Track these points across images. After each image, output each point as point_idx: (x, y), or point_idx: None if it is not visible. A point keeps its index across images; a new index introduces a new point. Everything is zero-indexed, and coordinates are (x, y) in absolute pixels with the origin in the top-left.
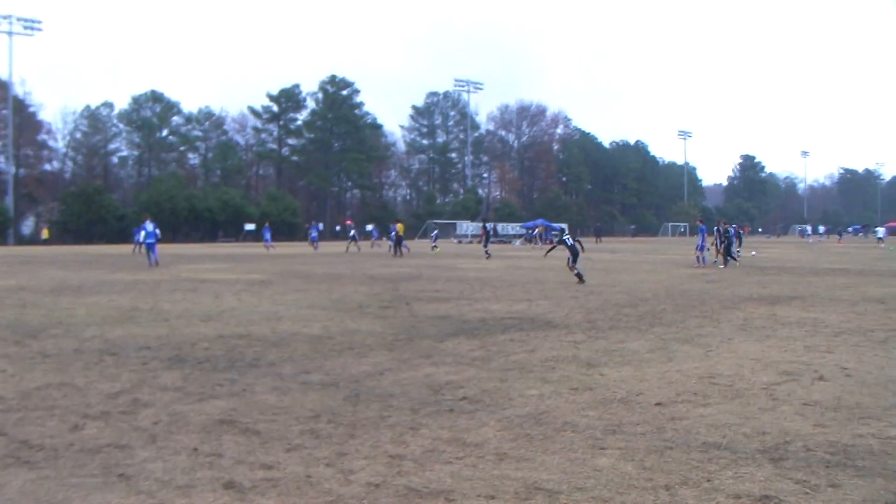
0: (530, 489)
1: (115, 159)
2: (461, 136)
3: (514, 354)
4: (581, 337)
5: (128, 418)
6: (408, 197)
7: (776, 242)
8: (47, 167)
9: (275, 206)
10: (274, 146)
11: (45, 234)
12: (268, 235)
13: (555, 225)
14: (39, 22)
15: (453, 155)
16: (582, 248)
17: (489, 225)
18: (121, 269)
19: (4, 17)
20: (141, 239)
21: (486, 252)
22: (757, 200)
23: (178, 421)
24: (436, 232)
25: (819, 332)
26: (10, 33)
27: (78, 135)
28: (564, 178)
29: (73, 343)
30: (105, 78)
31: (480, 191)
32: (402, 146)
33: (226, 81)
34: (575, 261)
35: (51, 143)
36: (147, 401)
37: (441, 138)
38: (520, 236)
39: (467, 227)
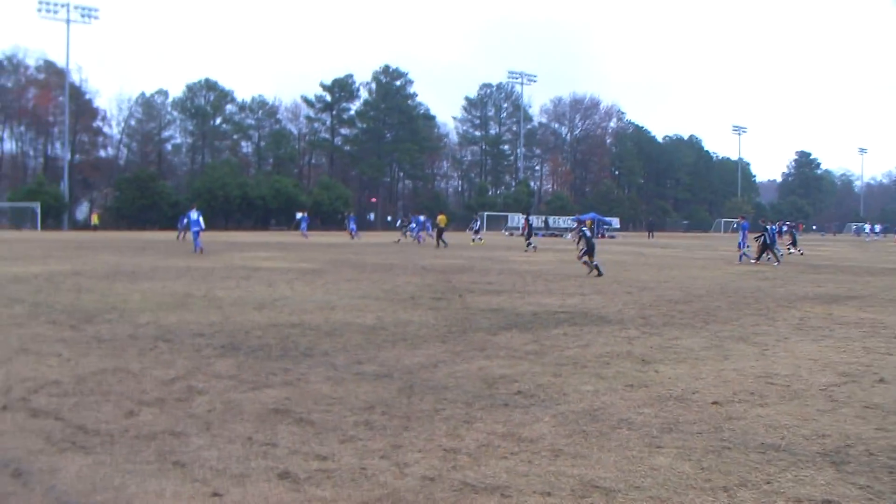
0: (587, 487)
1: (169, 146)
2: (514, 128)
3: (568, 349)
4: (635, 333)
5: (182, 405)
6: (460, 188)
7: (831, 240)
8: (102, 153)
9: (327, 195)
10: (327, 135)
11: (94, 219)
12: (353, 225)
13: (606, 219)
14: (96, 10)
15: (506, 147)
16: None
17: (532, 218)
18: (174, 255)
19: (62, 5)
20: (182, 226)
21: (530, 245)
22: (812, 198)
23: (232, 409)
24: (478, 223)
25: (878, 334)
26: (67, 21)
27: (133, 122)
28: (617, 172)
29: (128, 328)
30: (160, 66)
31: (532, 183)
32: (454, 137)
33: (279, 70)
34: (589, 253)
35: (106, 129)
36: (201, 388)
37: (494, 130)
38: (572, 230)
39: (519, 219)
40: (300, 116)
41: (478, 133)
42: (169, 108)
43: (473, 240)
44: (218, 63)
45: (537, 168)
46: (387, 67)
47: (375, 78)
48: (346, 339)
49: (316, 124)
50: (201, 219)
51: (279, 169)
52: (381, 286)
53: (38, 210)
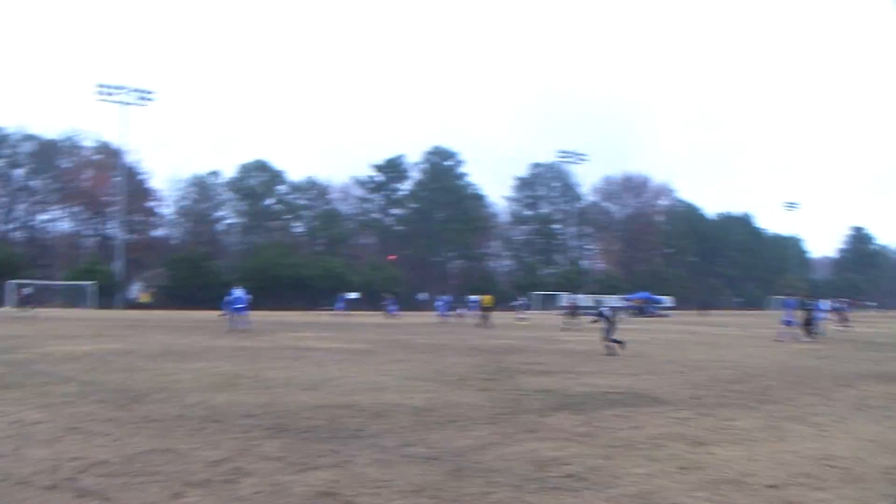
0: None
1: (221, 226)
2: (564, 206)
3: (620, 431)
4: (688, 414)
5: (229, 487)
6: (510, 268)
7: (888, 317)
8: (155, 233)
9: (377, 275)
10: (377, 215)
11: (143, 298)
12: (393, 307)
13: (659, 298)
14: (152, 92)
15: (557, 226)
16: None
17: (580, 297)
18: (224, 335)
19: (118, 89)
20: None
21: (568, 324)
22: (867, 273)
23: (279, 491)
24: (523, 301)
25: None
26: (123, 104)
27: (186, 202)
28: (668, 250)
29: (177, 408)
30: (213, 147)
31: (583, 262)
32: (505, 216)
33: (331, 151)
34: (609, 333)
35: (159, 209)
36: (249, 470)
37: (544, 209)
38: (623, 309)
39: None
40: (351, 196)
41: (528, 212)
42: (222, 189)
43: (518, 319)
44: (270, 144)
45: (588, 247)
46: (437, 148)
47: (426, 158)
48: (395, 420)
49: (367, 204)
50: (244, 295)
51: (330, 249)
52: (431, 367)
53: (92, 289)
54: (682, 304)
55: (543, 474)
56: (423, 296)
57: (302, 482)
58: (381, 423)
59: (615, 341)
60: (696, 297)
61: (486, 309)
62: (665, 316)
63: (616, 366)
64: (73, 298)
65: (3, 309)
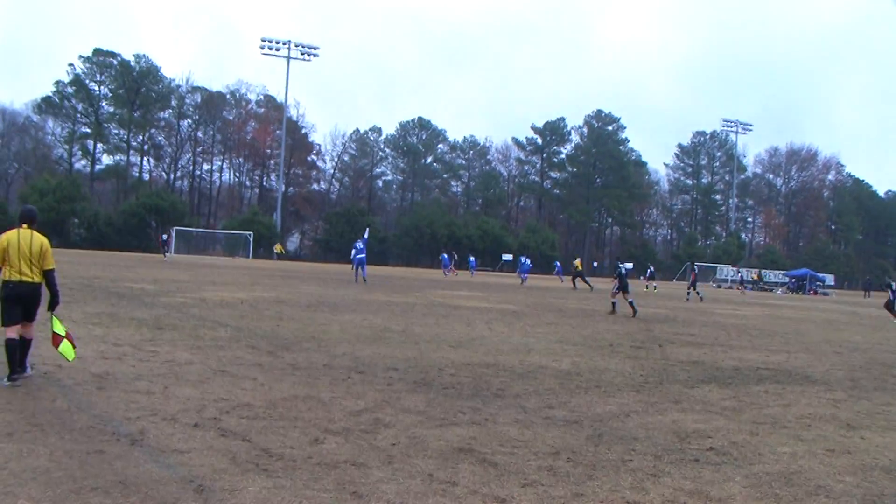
0: None
1: (380, 183)
2: (726, 177)
3: (768, 407)
4: (841, 395)
5: (367, 437)
6: (668, 237)
7: None
8: (315, 187)
9: (533, 239)
10: (536, 178)
11: (278, 249)
12: (559, 267)
13: (820, 275)
14: (317, 48)
15: (717, 197)
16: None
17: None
18: (376, 289)
19: (283, 43)
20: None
21: (690, 294)
22: None
23: (416, 444)
24: (652, 271)
25: None
26: (287, 58)
27: (346, 157)
28: (833, 227)
29: (324, 358)
30: (375, 103)
31: (744, 235)
32: (665, 185)
33: (492, 111)
34: (623, 290)
35: (320, 164)
36: (388, 421)
37: (706, 179)
38: (783, 284)
39: (728, 271)
40: (510, 158)
41: (689, 182)
42: (382, 146)
43: (647, 286)
44: (431, 103)
45: (749, 220)
46: (599, 112)
47: (587, 122)
48: (539, 382)
49: (526, 167)
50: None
51: (487, 210)
52: (581, 332)
53: (251, 239)
54: (846, 283)
55: (684, 446)
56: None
57: (440, 437)
58: (525, 384)
59: (629, 302)
60: (862, 278)
61: (577, 273)
62: (826, 294)
63: (770, 341)
64: (231, 248)
65: (169, 255)
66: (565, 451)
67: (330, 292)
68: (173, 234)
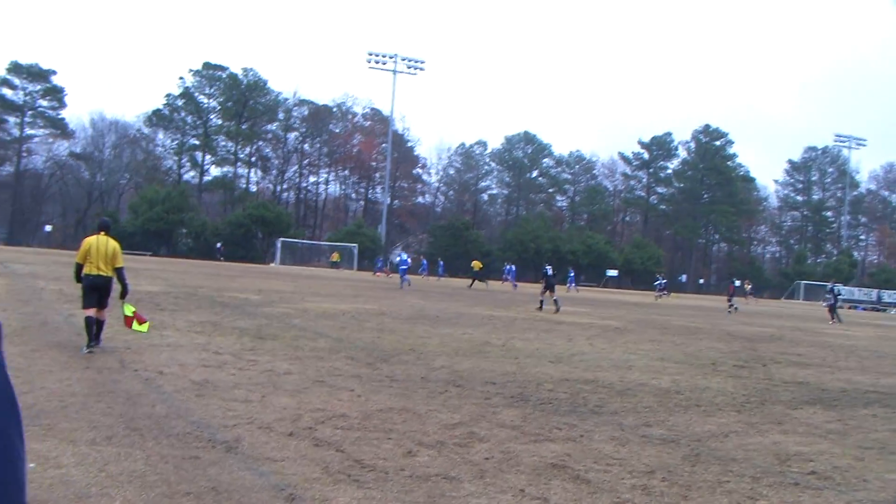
0: None
1: (484, 196)
2: (838, 194)
3: (876, 432)
4: None
5: (461, 451)
6: (777, 254)
7: None
8: (420, 200)
9: (638, 255)
10: (642, 193)
11: (334, 257)
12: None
13: None
14: (422, 62)
15: (829, 214)
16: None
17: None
18: (480, 303)
19: (390, 57)
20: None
21: (732, 308)
22: None
23: (510, 459)
24: (663, 281)
25: None
26: (394, 71)
27: (451, 171)
28: None
29: (422, 371)
30: (480, 117)
31: (856, 253)
32: (774, 201)
33: (597, 125)
34: (548, 289)
35: (425, 177)
36: (483, 435)
37: (817, 195)
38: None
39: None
40: (616, 173)
41: (800, 198)
42: (487, 160)
43: (658, 297)
44: (537, 117)
45: (862, 238)
46: (707, 127)
47: (695, 137)
48: (638, 399)
49: (632, 181)
50: (408, 258)
51: (592, 225)
52: (683, 349)
53: (356, 251)
54: None
55: (784, 468)
56: (683, 277)
57: (534, 452)
58: (623, 402)
59: (542, 302)
60: None
61: (475, 274)
62: None
63: (881, 363)
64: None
65: (272, 265)
66: (661, 471)
67: (432, 305)
68: (219, 246)
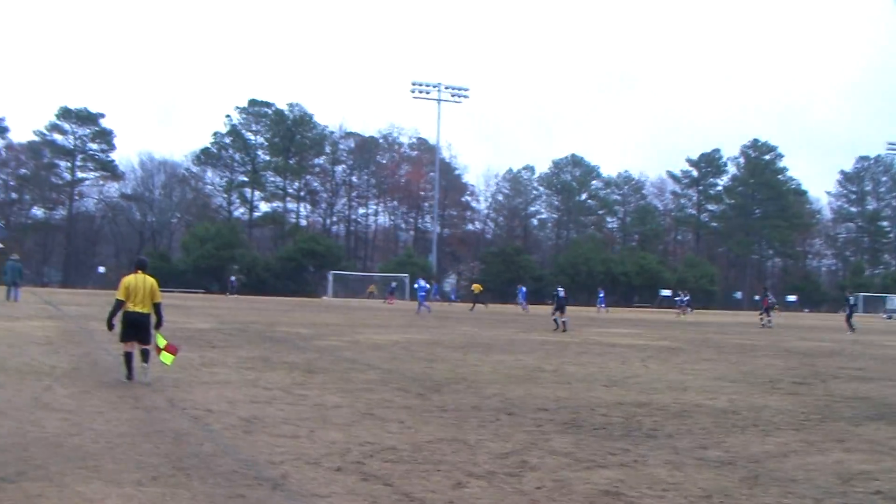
0: None
1: (534, 221)
2: (893, 202)
3: None
4: None
5: (512, 480)
6: (833, 267)
7: None
8: (470, 227)
9: (692, 273)
10: (693, 211)
11: (371, 289)
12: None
13: None
14: (466, 89)
15: (885, 224)
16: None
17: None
18: (532, 329)
19: (434, 86)
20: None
21: (764, 322)
22: None
23: (562, 488)
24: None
25: None
26: (438, 101)
27: (500, 197)
28: None
29: (473, 399)
30: (527, 142)
31: None
32: (827, 213)
33: (645, 145)
34: (558, 309)
35: (474, 204)
36: (534, 464)
37: (871, 205)
38: None
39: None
40: (666, 192)
41: (854, 209)
42: (535, 184)
43: (680, 314)
44: (583, 138)
45: None
46: (755, 141)
47: (744, 152)
48: (694, 421)
49: (682, 200)
50: (427, 285)
51: (644, 245)
52: (739, 368)
53: (407, 281)
54: None
55: (847, 488)
56: (738, 294)
57: (586, 480)
58: (678, 424)
59: (561, 322)
60: None
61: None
62: None
63: None
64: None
65: (324, 298)
66: (717, 494)
67: (484, 333)
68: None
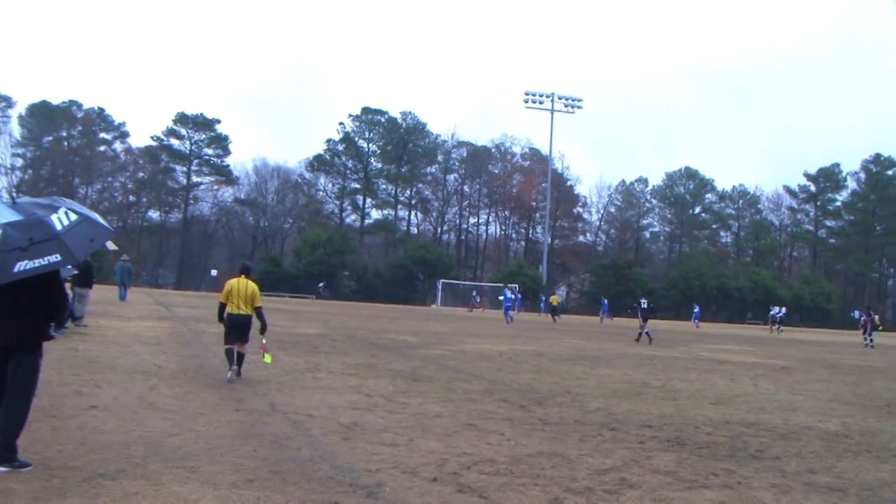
0: None
1: (647, 234)
2: None
3: None
4: None
5: (610, 497)
6: None
7: None
8: (581, 239)
9: (807, 290)
10: (810, 227)
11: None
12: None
13: None
14: (580, 100)
15: None
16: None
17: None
18: (642, 344)
19: (547, 96)
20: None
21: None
22: None
23: None
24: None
25: None
26: (551, 111)
27: (612, 209)
28: None
29: (576, 413)
30: (640, 154)
31: None
32: None
33: (760, 159)
34: (644, 321)
35: (585, 216)
36: (634, 482)
37: None
38: None
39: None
40: (782, 207)
41: None
42: (648, 196)
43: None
44: (697, 151)
45: None
46: (878, 156)
47: (864, 167)
48: (803, 444)
49: (799, 215)
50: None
51: (758, 260)
52: (855, 390)
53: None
54: None
55: None
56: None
57: (687, 500)
58: (787, 446)
59: (644, 332)
60: None
61: (552, 309)
62: None
63: None
64: (497, 300)
65: (433, 306)
66: None
67: (592, 345)
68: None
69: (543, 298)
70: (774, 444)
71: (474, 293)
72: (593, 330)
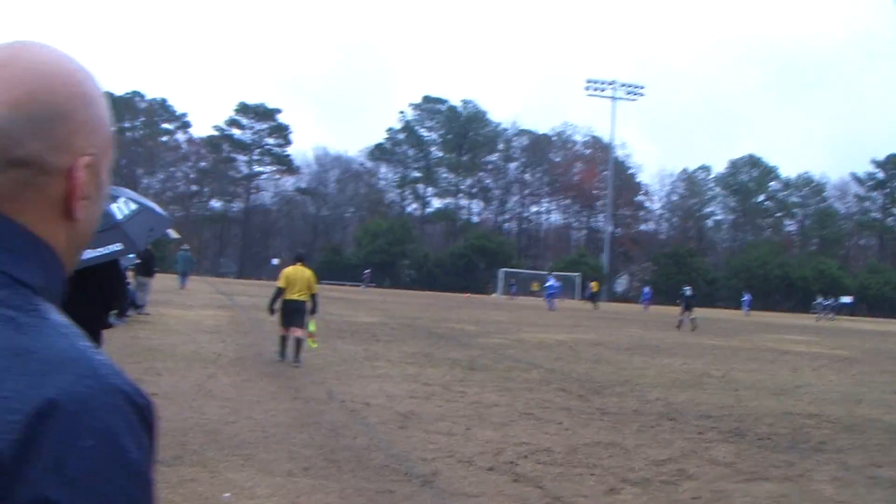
0: None
1: (709, 222)
2: None
3: None
4: None
5: (667, 489)
6: None
7: None
8: (643, 227)
9: (875, 280)
10: (877, 215)
11: (534, 286)
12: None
13: None
14: (642, 87)
15: None
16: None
17: None
18: (701, 333)
19: (609, 83)
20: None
21: None
22: None
23: (719, 500)
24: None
25: None
26: (613, 98)
27: (675, 197)
28: None
29: (635, 403)
30: (703, 141)
31: None
32: None
33: (826, 146)
34: (686, 308)
35: (647, 204)
36: (692, 473)
37: None
38: None
39: None
40: (848, 195)
41: None
42: (711, 184)
43: (827, 318)
44: (762, 138)
45: None
46: None
47: None
48: (867, 437)
49: (866, 203)
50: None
51: (824, 250)
52: None
53: (579, 281)
54: None
55: None
56: None
57: (746, 492)
58: (850, 438)
59: (690, 319)
60: None
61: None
62: None
63: None
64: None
65: (494, 295)
66: None
67: (652, 335)
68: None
69: (588, 286)
70: (837, 437)
71: (511, 281)
72: (652, 320)
